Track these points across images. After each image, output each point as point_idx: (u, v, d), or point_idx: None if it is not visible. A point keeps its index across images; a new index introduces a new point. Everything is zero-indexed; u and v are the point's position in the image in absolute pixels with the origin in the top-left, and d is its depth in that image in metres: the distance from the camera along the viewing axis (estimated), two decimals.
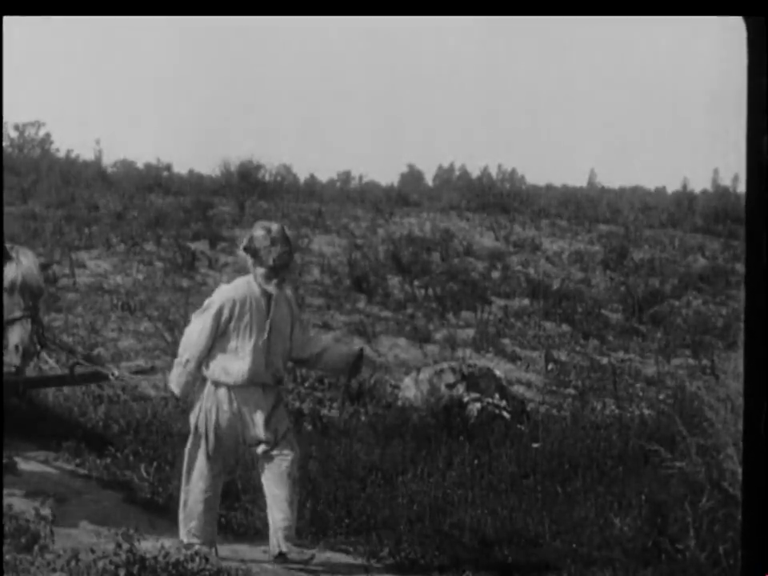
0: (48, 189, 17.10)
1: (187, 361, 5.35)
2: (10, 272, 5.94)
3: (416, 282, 13.73)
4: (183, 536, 5.51)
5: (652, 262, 15.92)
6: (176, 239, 14.64)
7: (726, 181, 22.96)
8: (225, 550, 5.71)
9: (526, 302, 13.68)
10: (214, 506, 5.57)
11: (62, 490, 6.50)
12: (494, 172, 25.07)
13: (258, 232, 5.30)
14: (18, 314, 5.91)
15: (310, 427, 7.80)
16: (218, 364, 5.32)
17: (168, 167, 22.68)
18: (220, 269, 13.84)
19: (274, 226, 5.33)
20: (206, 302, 5.38)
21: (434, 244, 15.42)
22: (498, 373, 9.16)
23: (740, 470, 5.49)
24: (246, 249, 5.31)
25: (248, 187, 19.54)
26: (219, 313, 5.26)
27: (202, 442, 5.42)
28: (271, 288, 5.29)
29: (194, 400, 5.48)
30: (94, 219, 15.45)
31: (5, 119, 21.20)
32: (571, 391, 10.28)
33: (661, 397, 9.98)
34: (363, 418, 8.33)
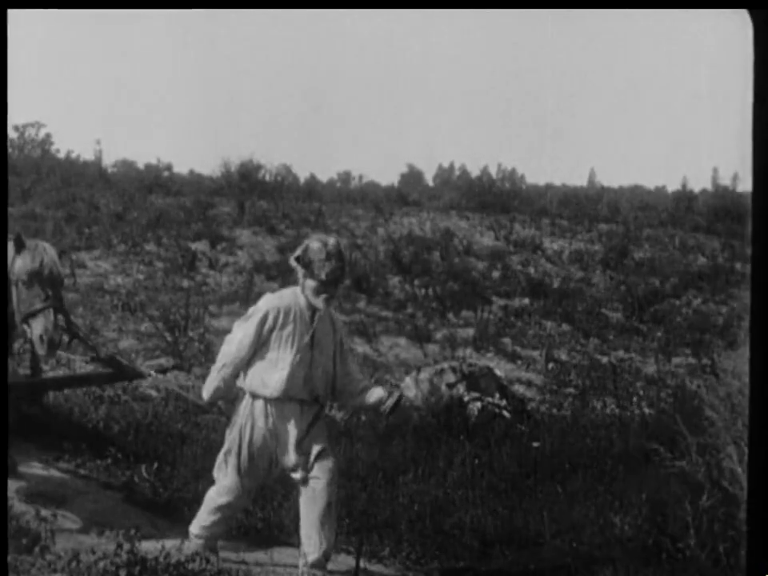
0: (48, 189, 17.12)
1: (223, 366, 5.16)
2: (27, 263, 5.79)
3: (416, 282, 13.74)
4: (193, 528, 5.45)
5: (652, 261, 15.93)
6: (176, 239, 14.66)
7: (725, 180, 22.98)
8: (225, 550, 5.71)
9: (527, 301, 13.69)
10: (230, 521, 5.50)
11: (63, 491, 6.50)
12: (493, 172, 25.09)
13: (314, 244, 5.08)
14: (39, 305, 5.75)
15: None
16: (256, 374, 5.12)
17: (168, 167, 22.72)
18: (220, 269, 13.86)
19: (331, 240, 5.12)
20: (250, 309, 5.17)
21: (434, 244, 15.43)
22: (498, 372, 9.17)
23: (740, 469, 5.50)
24: (298, 259, 5.10)
25: (248, 187, 19.57)
26: (263, 321, 5.06)
27: (234, 458, 5.24)
28: (319, 303, 5.09)
29: (230, 414, 5.30)
30: (94, 219, 15.47)
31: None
32: (571, 390, 10.29)
33: (661, 396, 9.98)
34: (363, 418, 8.33)
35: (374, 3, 5.19)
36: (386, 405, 5.26)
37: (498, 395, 8.63)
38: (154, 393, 8.34)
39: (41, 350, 5.74)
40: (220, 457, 5.33)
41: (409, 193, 22.14)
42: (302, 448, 5.18)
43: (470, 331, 12.12)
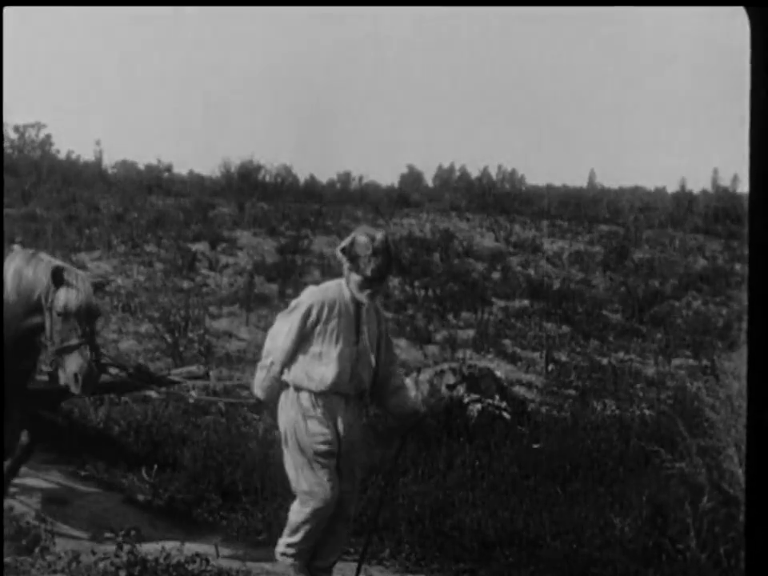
0: (48, 190, 17.10)
1: (272, 363, 5.01)
2: (69, 298, 5.68)
3: (416, 283, 13.73)
4: (280, 548, 5.11)
5: (652, 263, 15.92)
6: (176, 240, 14.65)
7: (725, 181, 22.98)
8: (225, 550, 5.72)
9: (527, 302, 13.68)
10: (317, 533, 5.08)
11: (63, 492, 6.50)
12: (493, 172, 25.09)
13: (361, 238, 4.95)
14: (75, 341, 5.67)
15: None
16: (299, 368, 4.97)
17: (168, 168, 22.70)
18: (220, 270, 13.85)
19: (379, 236, 4.96)
20: (293, 302, 5.07)
21: (434, 245, 15.42)
22: (498, 374, 9.16)
23: (740, 471, 5.50)
24: (344, 251, 4.98)
25: (248, 188, 19.55)
26: (307, 314, 4.93)
27: (300, 456, 5.03)
28: (363, 297, 4.95)
29: (276, 410, 5.16)
30: (94, 220, 15.45)
31: (5, 121, 21.22)
32: (572, 392, 10.28)
33: (661, 397, 9.98)
34: (363, 419, 8.32)
35: (373, 1, 5.18)
36: (412, 414, 5.18)
37: (498, 397, 8.63)
38: (153, 394, 8.33)
39: (75, 389, 5.68)
40: (288, 464, 5.13)
41: (409, 194, 22.13)
42: (345, 446, 5.03)
43: (470, 332, 12.12)
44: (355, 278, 4.93)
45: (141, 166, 23.97)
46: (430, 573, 5.88)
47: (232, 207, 17.11)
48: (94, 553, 5.01)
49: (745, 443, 4.39)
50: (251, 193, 18.84)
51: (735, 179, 21.30)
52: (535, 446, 7.83)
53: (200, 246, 14.60)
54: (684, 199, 22.46)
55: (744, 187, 4.49)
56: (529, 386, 10.37)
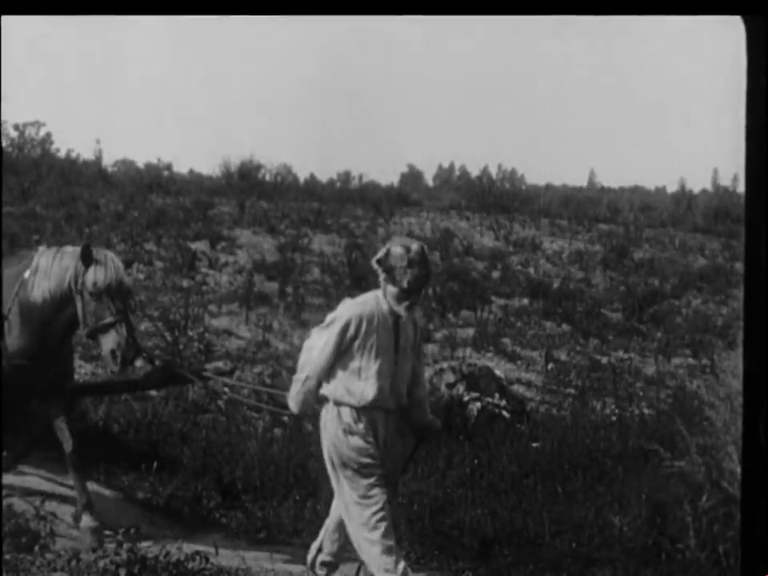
0: (48, 189, 17.10)
1: (307, 378, 4.88)
2: (99, 276, 5.64)
3: None
4: (311, 556, 5.09)
5: (652, 262, 15.94)
6: (176, 239, 14.65)
7: (725, 181, 23.00)
8: (225, 548, 5.72)
9: (526, 301, 13.69)
10: (391, 525, 4.88)
11: (62, 490, 6.50)
12: (493, 172, 25.11)
13: (396, 249, 4.79)
14: (109, 318, 5.60)
15: (310, 427, 7.79)
16: (339, 383, 4.84)
17: (168, 167, 22.72)
18: (220, 269, 13.86)
19: (414, 246, 4.80)
20: (330, 316, 4.90)
21: (434, 244, 15.42)
22: (497, 372, 9.16)
23: (739, 470, 5.50)
24: (379, 262, 4.83)
25: (248, 187, 19.56)
26: (345, 329, 4.78)
27: (345, 470, 4.88)
28: (401, 310, 4.80)
29: (317, 426, 5.02)
30: (94, 219, 15.45)
31: (4, 119, 21.22)
32: (571, 391, 10.29)
33: (661, 396, 9.99)
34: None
35: (374, 10, 5.14)
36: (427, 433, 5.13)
37: (497, 395, 8.63)
38: (153, 392, 8.34)
39: (113, 366, 5.61)
40: (335, 481, 4.96)
41: (409, 193, 22.14)
42: (387, 461, 4.92)
43: (470, 331, 12.12)
44: (391, 290, 4.80)
45: (141, 165, 24.00)
46: (430, 571, 5.88)
47: (232, 206, 17.12)
48: (93, 551, 5.01)
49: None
50: (251, 192, 18.84)
51: (735, 179, 21.32)
52: (534, 444, 7.83)
53: (200, 245, 14.60)
54: (684, 199, 22.48)
55: (743, 187, 4.49)
56: (528, 384, 10.38)
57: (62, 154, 22.69)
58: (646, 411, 9.16)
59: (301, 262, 14.28)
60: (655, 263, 15.88)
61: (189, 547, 5.33)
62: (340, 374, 4.84)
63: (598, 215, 20.13)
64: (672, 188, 25.49)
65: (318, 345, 4.88)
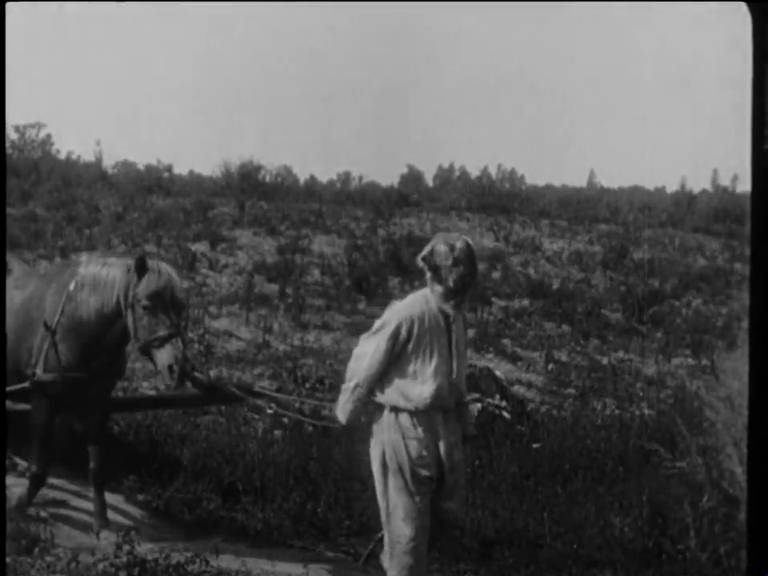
0: (48, 190, 17.11)
1: (356, 386, 4.75)
2: (152, 287, 5.43)
3: (416, 283, 13.69)
4: None
5: (652, 262, 15.93)
6: (176, 240, 14.66)
7: (725, 181, 22.99)
8: (225, 550, 5.71)
9: (526, 302, 13.69)
10: (424, 551, 4.83)
11: (62, 492, 6.50)
12: (493, 172, 25.12)
13: (441, 247, 4.68)
14: (164, 332, 5.40)
15: (310, 428, 7.79)
16: (395, 389, 4.70)
17: (168, 168, 22.73)
18: (220, 270, 13.86)
19: (459, 244, 4.70)
20: (378, 322, 4.77)
21: None
22: (498, 373, 9.16)
23: (740, 470, 5.50)
24: (424, 259, 4.71)
25: (248, 188, 19.57)
26: (396, 333, 4.66)
27: (398, 479, 4.73)
28: (449, 308, 4.70)
29: (371, 432, 4.86)
30: (94, 220, 15.46)
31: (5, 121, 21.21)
32: (571, 391, 10.28)
33: (661, 397, 9.98)
34: (363, 419, 8.32)
35: None
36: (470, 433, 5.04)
37: (498, 396, 8.62)
38: (153, 393, 8.33)
39: (169, 381, 5.39)
40: (381, 489, 4.82)
41: (409, 193, 22.13)
42: (451, 459, 4.78)
43: (470, 332, 12.11)
44: (438, 288, 4.69)
45: (141, 166, 24.00)
46: (430, 573, 5.86)
47: (232, 207, 17.13)
48: (93, 553, 5.00)
49: (745, 442, 4.39)
50: (251, 193, 18.86)
51: (735, 179, 21.31)
52: (535, 445, 7.82)
53: (200, 246, 14.60)
54: (684, 199, 22.48)
55: (744, 186, 4.47)
56: (529, 385, 10.37)
57: (62, 155, 22.72)
58: (646, 412, 9.15)
59: (301, 263, 14.28)
60: (655, 264, 15.87)
61: (189, 549, 5.33)
62: (396, 379, 4.71)
63: (598, 215, 20.15)
64: (672, 188, 25.50)
65: (368, 352, 4.73)
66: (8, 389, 5.74)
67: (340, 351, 11.06)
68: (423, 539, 4.77)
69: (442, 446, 4.74)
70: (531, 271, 15.28)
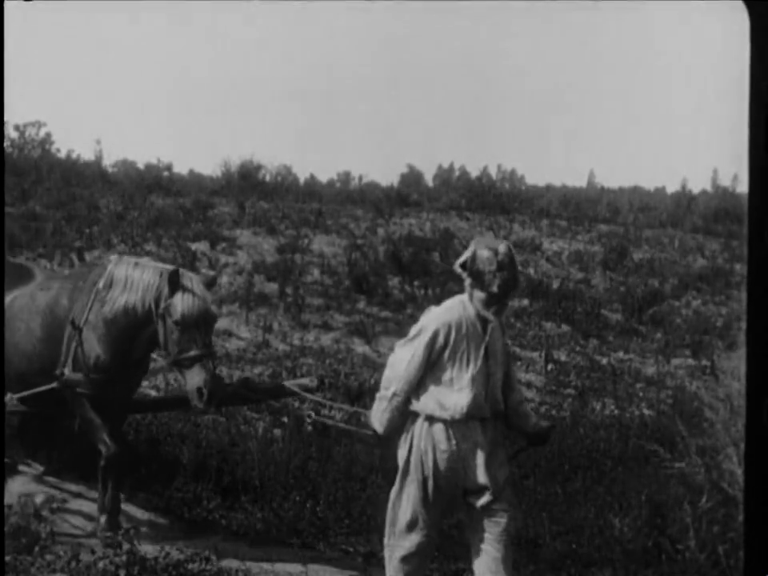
0: (48, 189, 17.10)
1: (394, 395, 4.64)
2: (182, 304, 5.32)
3: (416, 283, 13.74)
4: None
5: (652, 262, 15.93)
6: (176, 240, 14.65)
7: (725, 181, 22.99)
8: (225, 550, 5.72)
9: (526, 302, 13.68)
10: (424, 563, 4.80)
11: (63, 491, 6.50)
12: (493, 172, 25.12)
13: (484, 252, 4.56)
14: (194, 352, 5.31)
15: (310, 428, 7.80)
16: (430, 397, 4.61)
17: (168, 167, 22.71)
18: (220, 269, 13.85)
19: (502, 248, 4.58)
20: (414, 328, 4.69)
21: (433, 244, 15.42)
22: None
23: (739, 471, 5.50)
24: (463, 266, 4.62)
25: (248, 187, 19.56)
26: (433, 339, 4.58)
27: (419, 488, 4.65)
28: (490, 315, 4.60)
29: (400, 438, 4.75)
30: (94, 219, 15.45)
31: (5, 119, 21.21)
32: (571, 391, 10.29)
33: (661, 397, 9.99)
34: (363, 419, 8.32)
35: None
36: (536, 440, 4.86)
37: None
38: (153, 393, 8.33)
39: (198, 403, 5.33)
40: (393, 497, 4.78)
41: (409, 193, 22.12)
42: (490, 470, 4.66)
43: None
44: (479, 295, 4.59)
45: (141, 165, 23.99)
46: (430, 572, 5.87)
47: (232, 206, 17.11)
48: (93, 552, 5.01)
49: (744, 443, 4.39)
50: (251, 192, 18.85)
51: (735, 179, 21.30)
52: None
53: (200, 246, 14.59)
54: (684, 199, 22.47)
55: (743, 186, 4.46)
56: (528, 385, 10.37)
57: (62, 154, 22.69)
58: (645, 412, 9.17)
59: (301, 262, 14.27)
60: (655, 264, 15.87)
61: (188, 548, 5.33)
62: (431, 387, 4.62)
63: (598, 215, 20.14)
64: (672, 188, 25.50)
65: (404, 359, 4.65)
66: (35, 390, 5.74)
67: (340, 351, 11.07)
68: (425, 552, 4.74)
69: (480, 455, 4.64)
70: (531, 271, 15.27)
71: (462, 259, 4.65)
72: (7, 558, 4.98)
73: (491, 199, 20.20)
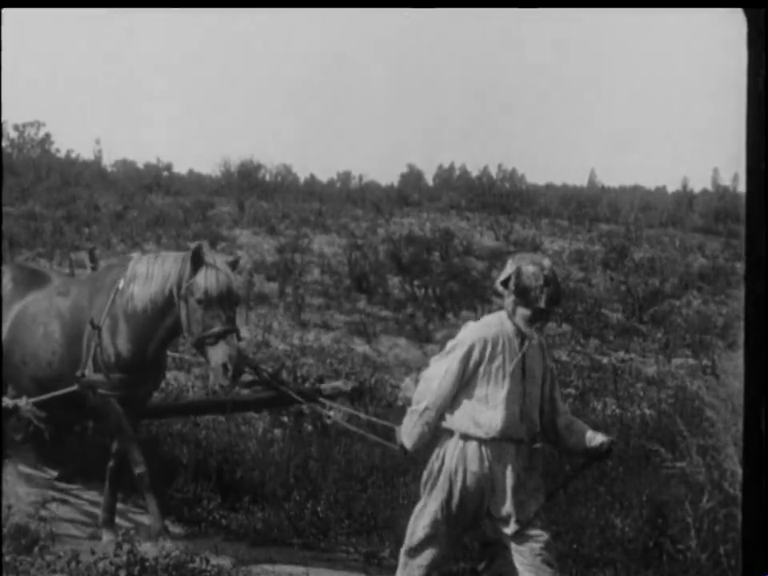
0: (48, 189, 17.10)
1: (425, 409, 4.53)
2: (205, 280, 5.28)
3: (416, 282, 13.74)
4: None
5: (652, 262, 15.93)
6: (176, 239, 14.64)
7: (725, 181, 22.98)
8: (225, 550, 5.71)
9: None
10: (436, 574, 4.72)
11: (63, 491, 6.49)
12: (493, 172, 25.06)
13: (529, 268, 4.46)
14: (219, 328, 5.23)
15: (310, 428, 7.79)
16: (464, 414, 4.51)
17: (168, 167, 22.70)
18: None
19: (546, 262, 4.52)
20: (450, 342, 4.59)
21: (434, 244, 15.42)
22: None
23: (740, 470, 5.49)
24: (505, 283, 4.52)
25: (248, 187, 19.57)
26: (468, 354, 4.48)
27: (443, 506, 4.56)
28: (532, 332, 4.51)
29: (432, 452, 4.64)
30: (94, 219, 15.45)
31: (4, 119, 21.20)
32: (572, 391, 10.27)
33: (661, 396, 9.97)
34: (362, 417, 8.31)
35: (371, 3, 5.07)
36: (596, 454, 4.66)
37: None
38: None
39: (222, 380, 5.25)
40: (417, 513, 4.71)
41: (409, 193, 22.12)
42: (519, 496, 4.52)
43: None
44: (524, 312, 4.48)
45: (140, 165, 23.98)
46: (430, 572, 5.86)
47: (232, 206, 17.12)
48: (93, 552, 4.99)
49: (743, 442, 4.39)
50: (251, 192, 18.86)
51: (735, 178, 21.29)
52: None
53: None
54: (684, 198, 22.47)
55: (744, 186, 4.46)
56: None
57: (61, 154, 22.69)
58: (646, 412, 9.14)
59: (301, 262, 14.27)
60: (655, 263, 15.87)
61: (189, 548, 5.32)
62: (465, 403, 4.52)
63: (598, 215, 20.13)
64: (672, 188, 25.48)
65: (438, 373, 4.55)
66: (54, 393, 5.68)
67: (340, 350, 11.06)
68: (439, 566, 4.69)
69: (509, 480, 4.52)
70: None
71: (502, 277, 4.56)
72: (7, 559, 4.97)
73: (491, 199, 20.20)
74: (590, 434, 4.66)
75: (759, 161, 4.29)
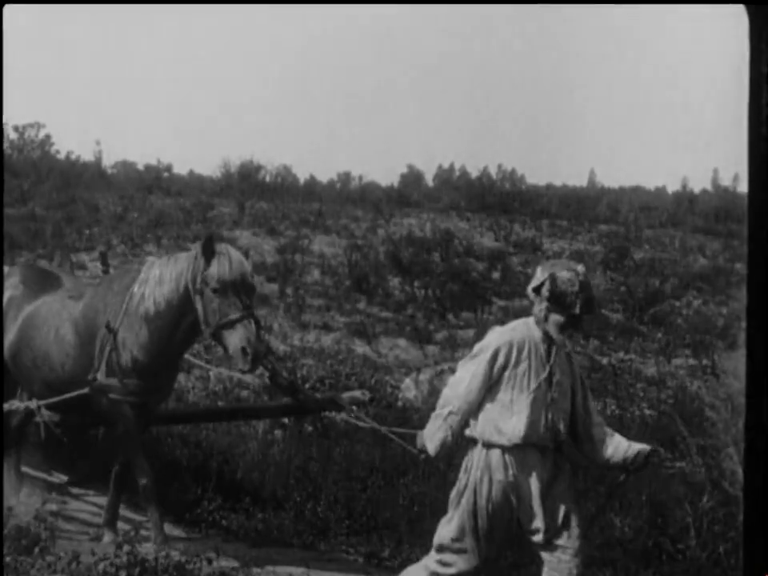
0: (48, 190, 17.10)
1: (450, 413, 4.45)
2: (223, 270, 5.29)
3: (416, 283, 13.74)
4: None
5: (652, 262, 15.93)
6: (176, 240, 14.65)
7: (725, 181, 22.96)
8: (225, 550, 5.71)
9: (527, 302, 13.68)
10: None
11: (63, 492, 6.49)
12: (493, 172, 25.03)
13: (564, 274, 4.45)
14: (235, 314, 5.23)
15: (310, 428, 7.79)
16: (488, 419, 4.43)
17: (168, 168, 22.68)
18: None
19: (580, 268, 4.50)
20: (477, 347, 4.52)
21: (434, 244, 15.43)
22: None
23: (740, 470, 5.49)
24: (537, 290, 4.51)
25: (248, 188, 19.56)
26: (494, 358, 4.42)
27: (469, 520, 4.46)
28: (563, 339, 4.48)
29: (458, 466, 4.58)
30: (94, 220, 15.45)
31: (5, 120, 21.21)
32: None
33: (661, 397, 9.97)
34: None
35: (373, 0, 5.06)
36: (635, 464, 4.61)
37: None
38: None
39: (243, 365, 5.23)
40: (443, 526, 4.56)
41: (409, 193, 22.12)
42: (546, 505, 4.46)
43: (470, 332, 12.11)
44: (557, 318, 4.45)
45: (140, 166, 23.95)
46: None
47: (232, 207, 17.13)
48: (93, 553, 4.99)
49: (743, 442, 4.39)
50: (251, 193, 18.86)
51: (735, 179, 21.28)
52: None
53: None
54: (684, 199, 22.46)
55: (744, 186, 4.44)
56: None
57: (61, 155, 22.67)
58: (646, 412, 9.14)
59: (301, 263, 14.28)
60: (656, 264, 15.87)
61: (189, 549, 5.32)
62: (488, 407, 4.45)
63: (598, 215, 20.13)
64: (673, 188, 25.47)
65: (464, 377, 4.48)
66: (65, 396, 5.68)
67: (340, 351, 11.06)
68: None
69: (535, 487, 4.44)
70: (531, 271, 15.28)
71: (534, 283, 4.53)
72: (7, 559, 4.97)
73: (491, 199, 20.19)
74: (626, 444, 4.63)
75: (760, 161, 4.28)
